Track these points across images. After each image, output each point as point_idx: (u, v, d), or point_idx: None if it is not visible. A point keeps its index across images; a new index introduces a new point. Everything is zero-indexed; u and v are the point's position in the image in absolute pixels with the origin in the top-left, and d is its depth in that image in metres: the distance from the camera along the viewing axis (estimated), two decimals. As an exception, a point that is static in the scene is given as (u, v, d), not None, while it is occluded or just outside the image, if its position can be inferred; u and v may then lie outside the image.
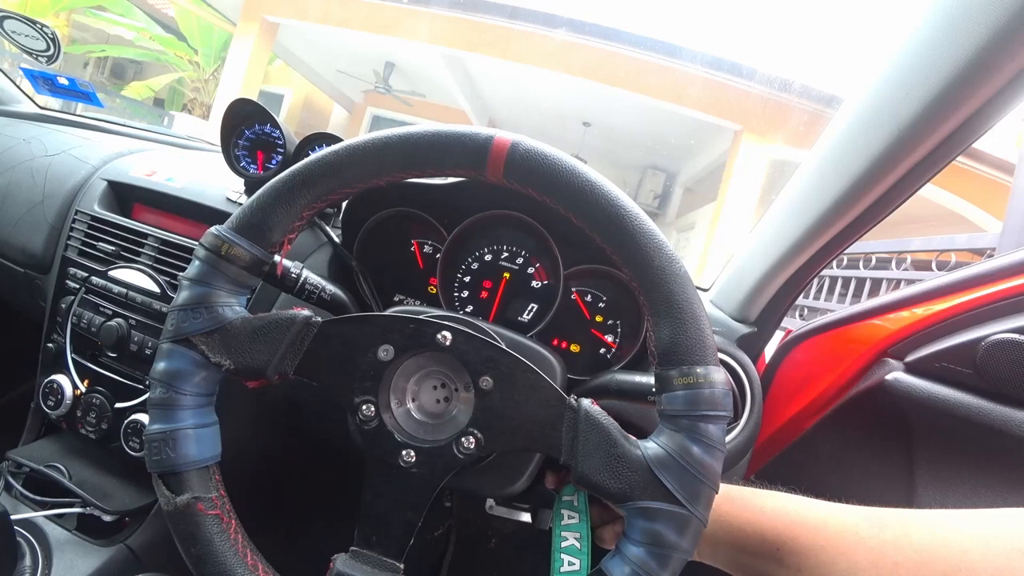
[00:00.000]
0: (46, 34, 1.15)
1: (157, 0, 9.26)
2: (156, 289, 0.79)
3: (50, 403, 0.81)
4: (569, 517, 0.55)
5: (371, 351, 0.43)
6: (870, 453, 0.73)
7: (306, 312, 0.44)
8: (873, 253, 2.73)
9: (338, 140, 0.74)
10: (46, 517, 0.74)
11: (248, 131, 0.84)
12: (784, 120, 5.83)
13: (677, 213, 8.77)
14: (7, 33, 1.13)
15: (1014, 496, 0.61)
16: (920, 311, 0.67)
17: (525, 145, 0.42)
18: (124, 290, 0.80)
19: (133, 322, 0.79)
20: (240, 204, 0.78)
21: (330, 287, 0.56)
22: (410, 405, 0.46)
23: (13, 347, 1.21)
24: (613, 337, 0.74)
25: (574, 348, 0.75)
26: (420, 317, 0.44)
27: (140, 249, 0.83)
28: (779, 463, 0.79)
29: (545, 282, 0.75)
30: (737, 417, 0.72)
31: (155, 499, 0.44)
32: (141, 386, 0.79)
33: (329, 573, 0.40)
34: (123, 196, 0.92)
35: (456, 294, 0.77)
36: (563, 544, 0.54)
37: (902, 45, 0.49)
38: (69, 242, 0.88)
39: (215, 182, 0.87)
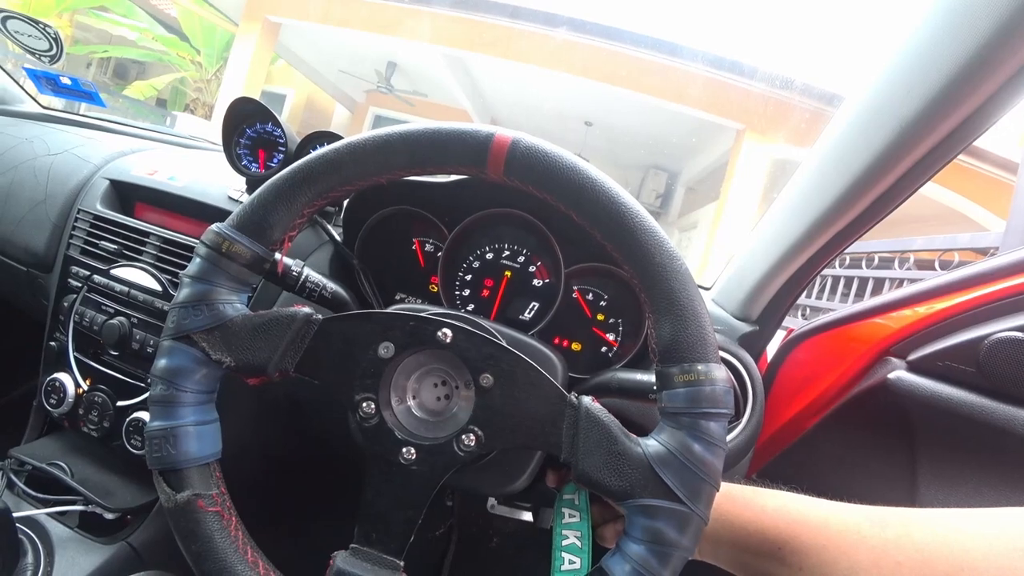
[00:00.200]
0: (49, 34, 1.15)
1: (160, 1, 9.28)
2: (158, 287, 0.79)
3: (52, 401, 0.81)
4: (570, 515, 0.55)
5: (372, 348, 0.43)
6: (872, 452, 0.73)
7: (307, 310, 0.44)
8: (876, 252, 2.73)
9: (339, 138, 0.74)
10: (48, 515, 0.74)
11: (250, 130, 0.84)
12: (786, 119, 5.82)
13: (679, 212, 8.77)
14: (10, 33, 1.13)
15: (1017, 495, 0.60)
16: (922, 310, 0.66)
17: (526, 142, 0.41)
18: (126, 288, 0.80)
19: (135, 320, 0.79)
20: (242, 203, 0.79)
21: (331, 285, 0.57)
22: (410, 403, 0.46)
23: (15, 346, 1.21)
24: (614, 335, 0.74)
25: (575, 346, 0.75)
26: (421, 315, 0.43)
27: (142, 248, 0.83)
28: (781, 462, 0.79)
29: (546, 280, 0.75)
30: (739, 416, 0.72)
31: (157, 497, 0.44)
32: (143, 384, 0.79)
33: (329, 570, 0.40)
34: (125, 195, 0.92)
35: (457, 292, 0.76)
36: (564, 542, 0.54)
37: (903, 43, 0.49)
38: (71, 241, 0.88)
39: (217, 181, 0.87)
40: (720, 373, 0.38)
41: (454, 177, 0.71)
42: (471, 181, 0.70)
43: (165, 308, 0.78)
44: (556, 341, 0.75)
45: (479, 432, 0.41)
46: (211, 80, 9.16)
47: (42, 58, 1.18)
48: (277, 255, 0.46)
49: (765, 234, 0.75)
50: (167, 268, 0.81)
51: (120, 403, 0.79)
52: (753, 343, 0.80)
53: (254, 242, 0.43)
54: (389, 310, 0.51)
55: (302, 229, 0.47)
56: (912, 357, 0.64)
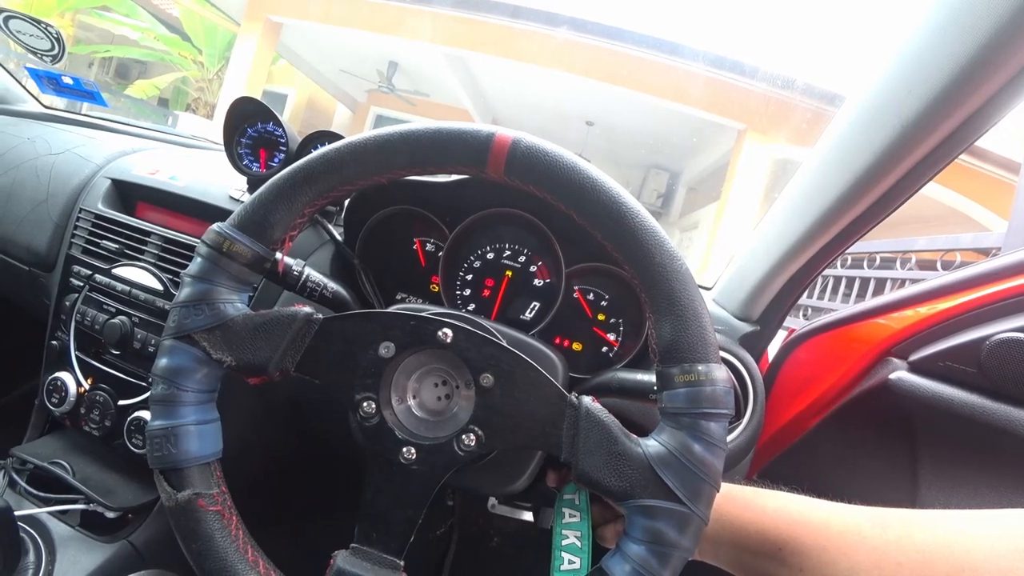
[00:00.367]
0: (51, 34, 1.15)
1: (161, 0, 9.29)
2: (159, 287, 0.79)
3: (54, 400, 0.81)
4: (570, 515, 0.55)
5: (372, 348, 0.43)
6: (873, 453, 0.73)
7: (307, 309, 0.44)
8: (877, 253, 2.72)
9: (340, 138, 0.74)
10: (50, 513, 0.74)
11: (251, 129, 0.84)
12: (787, 119, 5.82)
13: (681, 212, 8.76)
14: (13, 33, 1.13)
15: (1018, 496, 0.60)
16: (924, 310, 0.66)
17: (526, 142, 0.41)
18: (127, 288, 0.80)
19: (136, 320, 0.79)
20: (243, 202, 0.79)
21: (332, 285, 0.57)
22: (411, 402, 0.46)
23: (16, 345, 1.21)
24: (615, 335, 0.74)
25: (576, 346, 0.75)
26: (421, 314, 0.44)
27: (143, 247, 0.83)
28: (782, 462, 0.79)
29: (547, 280, 0.75)
30: (739, 416, 0.72)
31: (158, 496, 0.44)
32: (144, 383, 0.79)
33: (329, 570, 0.40)
34: (127, 194, 0.92)
35: (458, 292, 0.77)
36: (564, 542, 0.54)
37: (904, 42, 0.49)
38: (73, 240, 0.88)
39: (218, 180, 0.87)
40: (721, 373, 0.38)
41: (455, 177, 0.71)
42: (472, 181, 0.70)
43: (166, 307, 0.78)
44: (557, 341, 0.75)
45: (479, 432, 0.41)
46: (213, 80, 9.17)
47: (44, 58, 1.18)
48: (278, 255, 0.47)
49: (766, 234, 0.75)
50: (168, 267, 0.81)
51: (121, 402, 0.79)
52: (754, 343, 0.79)
53: (255, 242, 0.43)
54: (390, 310, 0.51)
55: (303, 229, 0.47)
56: (913, 358, 0.64)
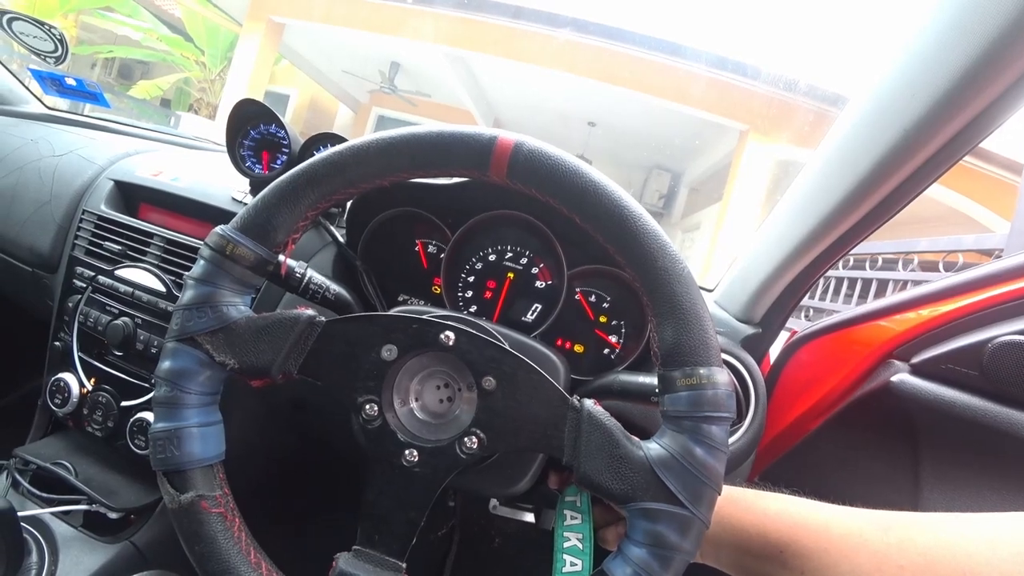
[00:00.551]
0: (54, 35, 1.16)
1: (164, 1, 9.32)
2: (162, 288, 0.79)
3: (57, 401, 0.82)
4: (572, 518, 0.55)
5: (374, 351, 0.43)
6: (875, 455, 0.73)
7: (310, 312, 0.44)
8: (879, 254, 2.72)
9: (342, 140, 0.74)
10: (53, 514, 0.75)
11: (253, 131, 0.85)
12: (789, 120, 5.81)
13: (682, 213, 8.76)
14: (15, 34, 1.14)
15: (1020, 499, 0.60)
16: (926, 312, 0.66)
17: (528, 145, 0.42)
18: (130, 289, 0.80)
19: (139, 321, 0.79)
20: (245, 204, 0.79)
21: (334, 287, 0.57)
22: (413, 405, 0.46)
23: (19, 345, 1.22)
24: (617, 337, 0.74)
25: (578, 348, 0.75)
26: (423, 317, 0.44)
27: (146, 248, 0.84)
28: (783, 465, 0.79)
29: (549, 282, 0.75)
30: (741, 418, 0.72)
31: (160, 497, 0.45)
32: (147, 384, 0.79)
33: (332, 572, 0.40)
34: (130, 196, 0.92)
35: (460, 294, 0.77)
36: (565, 544, 0.54)
37: (908, 44, 0.49)
38: (76, 241, 0.88)
39: (220, 182, 0.88)
40: (722, 377, 0.38)
41: (457, 179, 0.71)
42: (474, 183, 0.70)
43: (169, 309, 0.78)
44: (558, 343, 0.75)
45: (481, 435, 0.41)
46: (215, 80, 9.20)
47: (47, 59, 1.18)
48: (281, 257, 0.47)
49: (769, 236, 0.74)
50: (171, 269, 0.81)
51: (124, 403, 0.79)
52: (756, 345, 0.79)
53: (258, 244, 0.44)
54: (392, 312, 0.51)
55: (305, 231, 0.47)
56: (915, 360, 0.64)
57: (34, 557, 0.68)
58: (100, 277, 0.83)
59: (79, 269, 0.86)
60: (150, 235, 0.84)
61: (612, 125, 7.69)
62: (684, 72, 6.00)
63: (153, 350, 0.78)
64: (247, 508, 0.44)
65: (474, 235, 0.76)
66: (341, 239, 0.77)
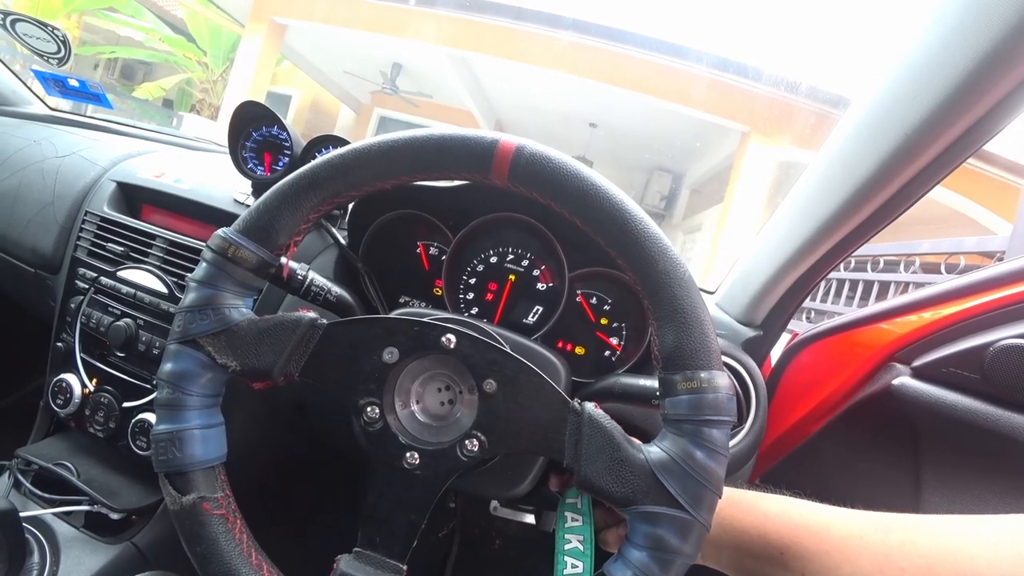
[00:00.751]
0: (57, 36, 1.16)
1: (166, 2, 9.34)
2: (164, 290, 0.80)
3: (59, 402, 0.82)
4: (572, 520, 0.55)
5: (376, 353, 0.43)
6: (876, 458, 0.73)
7: (312, 314, 0.44)
8: (881, 255, 2.72)
9: (345, 143, 0.74)
10: (54, 514, 0.75)
11: (255, 133, 0.85)
12: (791, 122, 5.80)
13: (683, 215, 8.75)
14: (19, 35, 1.14)
15: (1022, 503, 0.60)
16: (928, 315, 0.66)
17: (530, 149, 0.42)
18: (132, 290, 0.80)
19: (141, 322, 0.80)
20: (247, 206, 0.79)
21: (336, 289, 0.57)
22: (414, 407, 0.46)
23: (22, 346, 1.22)
24: (618, 340, 0.74)
25: (579, 350, 0.75)
26: (425, 320, 0.44)
27: (148, 250, 0.84)
28: (785, 467, 0.79)
29: (550, 284, 0.75)
30: (742, 421, 0.71)
31: (162, 498, 0.45)
32: (149, 385, 0.79)
33: (333, 574, 0.40)
34: (132, 197, 0.93)
35: (461, 296, 0.77)
36: (566, 546, 0.54)
37: (911, 46, 0.49)
38: (79, 243, 0.88)
39: (222, 184, 0.88)
40: (723, 380, 0.38)
41: (459, 182, 0.71)
42: (475, 185, 0.70)
43: (171, 310, 0.78)
44: (559, 345, 0.75)
45: (482, 437, 0.41)
46: (217, 81, 9.22)
47: (50, 60, 1.18)
48: (282, 259, 0.47)
49: (770, 238, 0.74)
50: (173, 270, 0.81)
51: (126, 404, 0.79)
52: (757, 348, 0.79)
53: (260, 247, 0.44)
54: (393, 315, 0.51)
55: (307, 234, 0.48)
56: (917, 363, 0.64)
57: (36, 557, 0.68)
58: (102, 278, 0.83)
59: (81, 270, 0.86)
60: (152, 236, 0.84)
61: (613, 126, 7.69)
62: (686, 73, 6.00)
63: (155, 351, 0.78)
64: (248, 510, 0.44)
65: (475, 237, 0.76)
66: (343, 241, 0.77)
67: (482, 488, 0.57)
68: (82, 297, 0.83)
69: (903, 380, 0.64)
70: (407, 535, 0.41)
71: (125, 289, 0.81)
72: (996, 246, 2.27)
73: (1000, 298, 0.60)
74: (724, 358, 0.71)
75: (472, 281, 0.77)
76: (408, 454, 0.42)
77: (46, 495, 0.76)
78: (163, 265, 0.82)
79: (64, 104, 1.32)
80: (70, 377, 0.82)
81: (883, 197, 0.57)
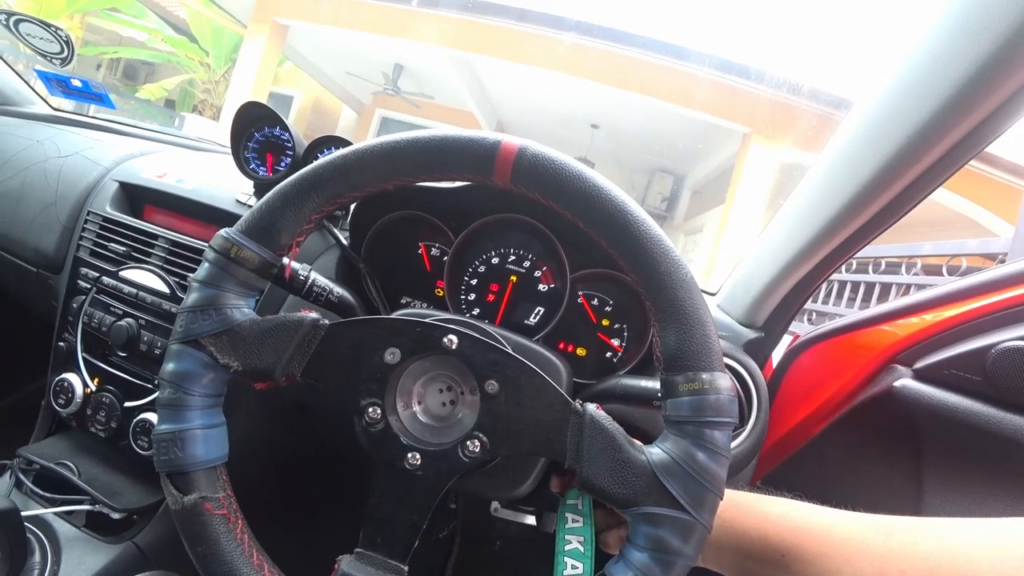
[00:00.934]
0: (60, 37, 1.16)
1: (169, 2, 9.35)
2: (166, 290, 0.80)
3: (61, 401, 0.82)
4: (573, 521, 0.55)
5: (378, 354, 0.43)
6: (877, 460, 0.73)
7: (314, 314, 0.44)
8: (883, 257, 2.71)
9: (347, 143, 0.74)
10: (55, 514, 0.75)
11: (258, 133, 0.85)
12: (793, 123, 5.80)
13: (685, 216, 8.75)
14: (22, 36, 1.14)
15: (1023, 505, 0.60)
16: (929, 317, 0.66)
17: (532, 150, 0.42)
18: (134, 290, 0.81)
19: (143, 322, 0.80)
20: (249, 206, 0.79)
21: (338, 289, 0.57)
22: (416, 408, 0.46)
23: (24, 346, 1.22)
24: (619, 341, 0.74)
25: (580, 352, 0.75)
26: (426, 320, 0.44)
27: (150, 250, 0.84)
28: (786, 469, 0.79)
29: (552, 285, 0.75)
30: (743, 423, 0.71)
31: (163, 498, 0.45)
32: (150, 385, 0.79)
33: (334, 574, 0.40)
34: (134, 197, 0.93)
35: (463, 297, 0.77)
36: (567, 548, 0.54)
37: (913, 48, 0.49)
38: (81, 242, 0.89)
39: (225, 184, 0.88)
40: (724, 382, 0.38)
41: (461, 183, 0.71)
42: (477, 186, 0.71)
43: (173, 310, 0.78)
44: (561, 346, 0.75)
45: (484, 438, 0.41)
46: (219, 81, 9.24)
47: (53, 60, 1.19)
48: (285, 260, 0.47)
49: (772, 240, 0.74)
50: (175, 270, 0.81)
51: (128, 404, 0.79)
52: (758, 349, 0.79)
53: (262, 247, 0.44)
54: (395, 315, 0.51)
55: (310, 234, 0.48)
56: (918, 365, 0.64)
57: (37, 557, 0.68)
58: (104, 278, 0.83)
59: (84, 270, 0.86)
60: (154, 237, 0.84)
61: (615, 128, 7.70)
62: (688, 75, 6.00)
63: (157, 351, 0.78)
64: (250, 510, 0.44)
65: (477, 238, 0.76)
66: (345, 242, 0.77)
67: (483, 489, 0.57)
68: (84, 297, 0.84)
69: (905, 382, 0.64)
70: (408, 536, 0.41)
71: (127, 289, 0.81)
72: (998, 248, 2.26)
73: (1002, 300, 0.60)
74: (726, 360, 0.71)
75: (474, 282, 0.77)
76: (410, 455, 0.42)
77: (47, 494, 0.77)
78: (165, 265, 0.82)
79: (67, 104, 1.32)
80: (72, 377, 0.82)
81: (885, 199, 0.57)
